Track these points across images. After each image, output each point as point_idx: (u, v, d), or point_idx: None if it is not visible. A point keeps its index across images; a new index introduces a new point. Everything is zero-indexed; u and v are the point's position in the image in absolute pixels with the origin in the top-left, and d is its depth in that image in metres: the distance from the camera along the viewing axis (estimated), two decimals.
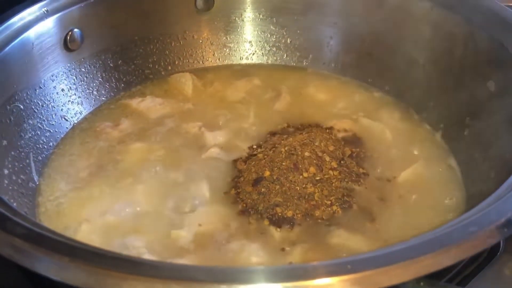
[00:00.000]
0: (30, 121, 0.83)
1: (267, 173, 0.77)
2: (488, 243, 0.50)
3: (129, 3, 0.98)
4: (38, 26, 0.84)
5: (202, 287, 0.44)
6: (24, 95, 0.83)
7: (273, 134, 0.89)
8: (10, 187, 0.74)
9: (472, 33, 0.85)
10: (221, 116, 0.94)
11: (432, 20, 0.91)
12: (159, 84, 1.03)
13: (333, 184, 0.77)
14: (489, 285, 0.64)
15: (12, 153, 0.77)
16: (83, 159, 0.85)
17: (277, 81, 1.03)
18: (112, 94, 0.99)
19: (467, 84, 0.86)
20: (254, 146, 0.87)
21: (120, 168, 0.83)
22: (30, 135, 0.83)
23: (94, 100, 0.96)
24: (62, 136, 0.89)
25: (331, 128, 0.90)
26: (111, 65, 0.98)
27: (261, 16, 1.08)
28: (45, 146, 0.86)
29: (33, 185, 0.79)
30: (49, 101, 0.88)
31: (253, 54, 1.10)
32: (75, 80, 0.93)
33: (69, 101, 0.92)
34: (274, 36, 1.09)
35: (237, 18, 1.08)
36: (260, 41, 1.09)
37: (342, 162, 0.81)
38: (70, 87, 0.92)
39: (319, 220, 0.73)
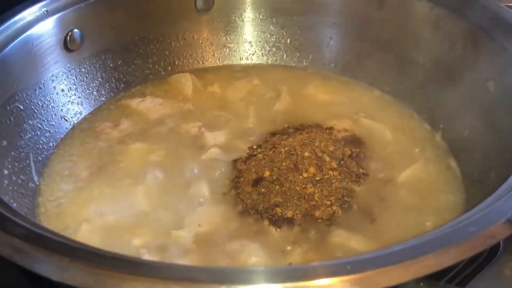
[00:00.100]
0: (30, 122, 0.83)
1: (267, 173, 0.77)
2: (488, 244, 0.50)
3: (129, 3, 0.98)
4: (38, 27, 0.84)
5: None
6: (24, 95, 0.83)
7: (273, 134, 0.89)
8: (10, 188, 0.74)
9: (472, 33, 0.85)
10: (221, 117, 0.94)
11: (432, 20, 0.91)
12: (159, 84, 1.03)
13: (333, 184, 0.77)
14: (489, 285, 0.64)
15: (12, 153, 0.78)
16: (83, 160, 0.85)
17: (277, 81, 1.03)
18: (112, 94, 0.99)
19: (467, 84, 0.86)
20: (254, 146, 0.87)
21: (120, 169, 0.83)
22: (30, 135, 0.83)
23: (94, 101, 0.96)
24: (62, 136, 0.89)
25: (331, 128, 0.90)
26: (111, 65, 0.98)
27: (261, 17, 1.08)
28: (45, 147, 0.86)
29: (33, 185, 0.79)
30: (49, 101, 0.88)
31: (253, 54, 1.10)
32: (75, 80, 0.93)
33: (69, 101, 0.92)
34: (274, 37, 1.09)
35: (237, 19, 1.08)
36: (260, 42, 1.09)
37: (342, 162, 0.81)
38: (70, 87, 0.92)
39: (319, 220, 0.73)
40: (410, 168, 0.82)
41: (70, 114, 0.92)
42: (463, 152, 0.84)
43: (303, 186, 0.75)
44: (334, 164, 0.79)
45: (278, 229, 0.72)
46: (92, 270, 0.45)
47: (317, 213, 0.74)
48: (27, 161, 0.80)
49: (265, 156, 0.80)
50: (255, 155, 0.83)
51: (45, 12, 0.85)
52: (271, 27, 1.08)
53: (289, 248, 0.69)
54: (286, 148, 0.79)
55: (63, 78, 0.91)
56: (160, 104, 0.96)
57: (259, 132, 0.90)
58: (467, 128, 0.84)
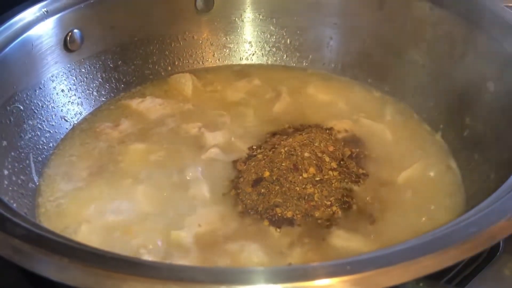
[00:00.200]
0: (30, 122, 0.83)
1: (266, 174, 0.77)
2: (488, 244, 0.50)
3: (129, 3, 0.98)
4: (38, 27, 0.84)
5: None
6: (24, 95, 0.83)
7: (273, 134, 0.89)
8: (10, 188, 0.74)
9: (472, 33, 0.85)
10: (221, 117, 0.94)
11: (432, 20, 0.91)
12: (159, 84, 1.03)
13: (333, 185, 0.77)
14: (488, 286, 0.64)
15: (12, 153, 0.78)
16: (83, 160, 0.85)
17: (277, 81, 1.03)
18: (112, 94, 0.99)
19: (467, 84, 0.86)
20: (254, 147, 0.87)
21: (120, 169, 0.83)
22: (30, 135, 0.83)
23: (94, 101, 0.96)
24: (62, 136, 0.89)
25: (331, 128, 0.90)
26: (111, 65, 0.98)
27: (261, 17, 1.08)
28: (45, 147, 0.86)
29: (33, 185, 0.79)
30: (49, 101, 0.88)
31: (253, 54, 1.10)
32: (75, 80, 0.93)
33: (69, 101, 0.92)
34: (274, 37, 1.09)
35: (237, 19, 1.08)
36: (260, 42, 1.09)
37: (342, 162, 0.81)
38: (70, 87, 0.92)
39: (319, 221, 0.73)
40: (410, 168, 0.82)
41: (70, 114, 0.92)
42: (463, 152, 0.84)
43: (303, 186, 0.75)
44: (334, 165, 0.79)
45: (278, 230, 0.72)
46: (92, 270, 0.45)
47: (317, 214, 0.74)
48: (27, 162, 0.80)
49: (265, 157, 0.80)
50: (255, 155, 0.83)
51: (45, 12, 0.85)
52: (271, 27, 1.08)
53: (289, 248, 0.69)
54: (286, 149, 0.79)
55: (63, 78, 0.91)
56: (160, 104, 0.97)
57: (259, 132, 0.90)
58: (467, 128, 0.84)
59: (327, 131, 0.88)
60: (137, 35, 1.01)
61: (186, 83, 1.01)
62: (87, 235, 0.71)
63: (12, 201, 0.71)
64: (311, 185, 0.75)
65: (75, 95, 0.93)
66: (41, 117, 0.86)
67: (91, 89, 0.96)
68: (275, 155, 0.79)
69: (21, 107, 0.82)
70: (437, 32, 0.91)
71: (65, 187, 0.80)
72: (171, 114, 0.95)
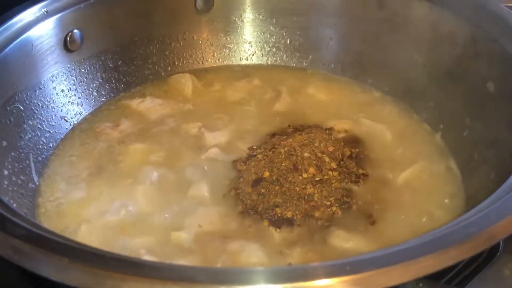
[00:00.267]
0: (30, 122, 0.83)
1: (266, 174, 0.77)
2: (488, 244, 0.50)
3: (129, 4, 0.98)
4: (38, 27, 0.84)
5: None
6: (24, 96, 0.83)
7: (272, 134, 0.89)
8: (10, 188, 0.74)
9: (472, 34, 0.85)
10: (221, 117, 0.94)
11: (432, 21, 0.91)
12: (159, 84, 1.03)
13: (333, 185, 0.77)
14: (488, 286, 0.64)
15: (12, 154, 0.78)
16: (83, 160, 0.85)
17: (277, 81, 1.03)
18: (112, 94, 0.99)
19: (467, 84, 0.86)
20: (254, 147, 0.87)
21: (120, 169, 0.83)
22: (30, 136, 0.83)
23: (94, 101, 0.96)
24: (62, 137, 0.90)
25: (330, 128, 0.90)
26: (111, 65, 0.98)
27: (260, 17, 1.08)
28: (45, 147, 0.86)
29: (33, 186, 0.79)
30: (49, 102, 0.88)
31: (253, 54, 1.10)
32: (75, 80, 0.93)
33: (69, 101, 0.92)
34: (274, 37, 1.09)
35: (237, 19, 1.08)
36: (259, 42, 1.09)
37: (341, 162, 0.81)
38: (70, 87, 0.92)
39: (319, 221, 0.73)
40: (409, 168, 0.82)
41: (70, 114, 0.92)
42: (463, 152, 0.84)
43: (303, 186, 0.75)
44: (333, 165, 0.79)
45: (278, 230, 0.72)
46: (92, 271, 0.45)
47: (317, 214, 0.74)
48: (27, 162, 0.80)
49: (265, 157, 0.80)
50: (255, 155, 0.83)
51: (45, 12, 0.85)
52: (271, 27, 1.08)
53: (288, 248, 0.69)
54: (285, 149, 0.79)
55: (63, 78, 0.91)
56: (160, 105, 0.97)
57: (259, 132, 0.90)
58: (467, 128, 0.84)
59: (327, 131, 0.88)
60: (137, 35, 1.01)
61: (186, 83, 1.01)
62: (87, 235, 0.71)
63: (12, 201, 0.71)
64: (311, 185, 0.75)
65: (75, 95, 0.93)
66: (41, 117, 0.86)
67: (91, 89, 0.96)
68: (275, 155, 0.79)
69: (21, 107, 0.82)
70: (437, 32, 0.91)
71: (65, 187, 0.80)
72: (171, 114, 0.95)
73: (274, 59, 1.10)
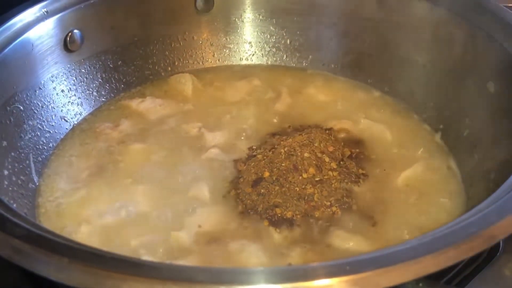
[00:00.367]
0: (30, 122, 0.83)
1: (266, 174, 0.77)
2: (488, 244, 0.50)
3: (129, 4, 0.98)
4: (38, 27, 0.84)
5: None
6: (24, 96, 0.83)
7: (272, 135, 0.89)
8: (10, 188, 0.74)
9: (472, 34, 0.85)
10: (221, 117, 0.94)
11: (432, 21, 0.91)
12: (159, 85, 1.03)
13: (333, 185, 0.77)
14: (488, 286, 0.64)
15: (12, 154, 0.78)
16: (83, 160, 0.85)
17: (277, 82, 1.03)
18: (112, 95, 0.99)
19: (466, 85, 0.86)
20: (254, 147, 0.87)
21: (119, 169, 0.83)
22: (30, 136, 0.83)
23: (94, 101, 0.96)
24: (62, 137, 0.90)
25: (330, 129, 0.90)
26: (111, 66, 0.98)
27: (261, 17, 1.08)
28: (45, 147, 0.86)
29: (33, 186, 0.79)
30: (49, 102, 0.89)
31: (253, 55, 1.10)
32: (75, 81, 0.93)
33: (69, 102, 0.92)
34: (274, 37, 1.09)
35: (237, 19, 1.08)
36: (260, 42, 1.09)
37: (341, 163, 0.81)
38: (70, 88, 0.92)
39: (319, 221, 0.73)
40: (410, 168, 0.82)
41: (70, 114, 0.92)
42: (463, 152, 0.84)
43: (303, 186, 0.75)
44: (333, 165, 0.79)
45: (278, 230, 0.72)
46: (92, 271, 0.45)
47: (317, 214, 0.74)
48: (27, 162, 0.80)
49: (265, 157, 0.80)
50: (255, 155, 0.83)
51: (45, 12, 0.85)
52: (271, 27, 1.08)
53: (288, 248, 0.69)
54: (285, 149, 0.79)
55: (63, 78, 0.91)
56: (160, 105, 0.97)
57: (259, 132, 0.90)
58: (467, 128, 0.84)
59: (327, 131, 0.88)
60: (137, 35, 1.01)
61: (186, 83, 1.01)
62: (87, 235, 0.71)
63: (12, 201, 0.71)
64: (311, 186, 0.75)
65: (75, 95, 0.93)
66: (41, 118, 0.86)
67: (91, 89, 0.96)
68: (275, 155, 0.79)
69: (21, 108, 0.82)
70: (437, 32, 0.91)
71: (65, 187, 0.80)
72: (171, 114, 0.95)
73: (274, 59, 1.10)
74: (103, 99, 0.98)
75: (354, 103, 0.98)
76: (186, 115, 0.95)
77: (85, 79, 0.95)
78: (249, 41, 1.09)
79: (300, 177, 0.76)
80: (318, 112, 0.95)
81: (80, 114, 0.94)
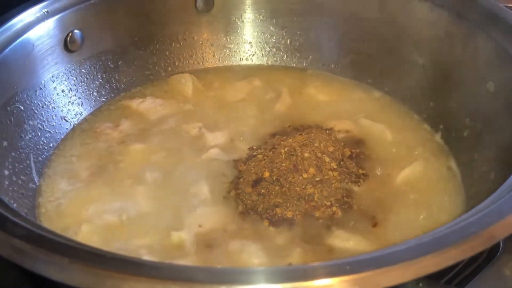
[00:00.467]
0: (31, 122, 0.84)
1: (266, 174, 0.77)
2: (488, 244, 0.50)
3: (129, 4, 0.98)
4: (39, 27, 0.84)
5: None
6: (25, 96, 0.83)
7: (273, 135, 0.89)
8: (11, 188, 0.74)
9: (472, 34, 0.85)
10: (221, 117, 0.94)
11: (432, 21, 0.91)
12: (159, 85, 1.03)
13: (333, 185, 0.77)
14: (488, 286, 0.64)
15: (13, 154, 0.78)
16: (83, 160, 0.85)
17: (277, 82, 1.03)
18: (112, 95, 0.99)
19: (467, 85, 0.86)
20: (254, 147, 0.87)
21: (120, 169, 0.83)
22: (30, 136, 0.83)
23: (94, 101, 0.96)
24: (62, 137, 0.90)
25: (330, 129, 0.90)
26: (111, 66, 0.98)
27: (261, 17, 1.08)
28: (46, 147, 0.86)
29: (34, 186, 0.80)
30: (50, 102, 0.89)
31: (253, 55, 1.10)
32: (76, 81, 0.93)
33: (69, 102, 0.92)
34: (274, 37, 1.09)
35: (237, 19, 1.08)
36: (260, 42, 1.09)
37: (341, 163, 0.81)
38: (70, 88, 0.93)
39: (319, 221, 0.73)
40: (410, 168, 0.82)
41: (71, 114, 0.92)
42: (463, 152, 0.84)
43: (303, 186, 0.75)
44: (334, 165, 0.79)
45: (278, 230, 0.72)
46: (92, 270, 0.46)
47: (317, 214, 0.74)
48: (28, 162, 0.80)
49: (265, 157, 0.80)
50: (255, 155, 0.83)
51: (45, 13, 0.86)
52: (271, 28, 1.08)
53: (288, 248, 0.69)
54: (286, 149, 0.79)
55: (64, 78, 0.91)
56: (160, 105, 0.97)
57: (259, 132, 0.90)
58: (467, 128, 0.84)
59: (327, 132, 0.88)
60: (137, 36, 1.01)
61: (186, 83, 1.02)
62: (88, 235, 0.71)
63: (12, 201, 0.71)
64: (311, 186, 0.75)
65: (75, 95, 0.93)
66: (42, 118, 0.86)
67: (91, 89, 0.96)
68: (275, 155, 0.79)
69: (22, 108, 0.82)
70: (437, 32, 0.91)
71: (65, 187, 0.80)
72: (171, 114, 0.95)
73: (274, 59, 1.10)
74: (103, 99, 0.98)
75: (354, 103, 0.98)
76: (186, 115, 0.95)
77: (85, 79, 0.95)
78: (249, 41, 1.09)
79: (300, 177, 0.76)
80: (318, 112, 0.95)
81: (81, 114, 0.94)
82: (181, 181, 0.80)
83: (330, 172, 0.78)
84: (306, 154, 0.78)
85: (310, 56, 1.08)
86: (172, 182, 0.80)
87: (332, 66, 1.07)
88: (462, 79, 0.87)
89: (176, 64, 1.06)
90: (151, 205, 0.76)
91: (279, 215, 0.73)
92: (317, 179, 0.76)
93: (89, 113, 0.95)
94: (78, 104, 0.94)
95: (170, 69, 1.06)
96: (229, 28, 1.08)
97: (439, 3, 0.90)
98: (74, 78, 0.93)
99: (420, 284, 0.50)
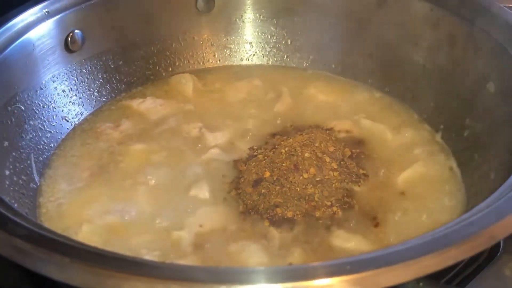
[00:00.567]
0: (31, 122, 0.84)
1: (267, 174, 0.77)
2: (488, 244, 0.50)
3: (130, 4, 0.98)
4: (39, 28, 0.85)
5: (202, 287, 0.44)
6: (25, 96, 0.83)
7: (273, 135, 0.89)
8: (11, 188, 0.74)
9: (472, 34, 0.85)
10: (222, 117, 0.94)
11: (432, 21, 0.91)
12: (160, 85, 1.03)
13: (333, 185, 0.77)
14: (489, 286, 0.64)
15: (13, 154, 0.78)
16: (84, 160, 0.85)
17: (277, 82, 1.03)
18: (112, 95, 0.99)
19: (467, 85, 0.86)
20: (255, 147, 0.87)
21: (120, 169, 0.83)
22: (31, 136, 0.83)
23: (95, 101, 0.97)
24: (63, 137, 0.90)
25: (331, 129, 0.90)
26: (111, 66, 0.98)
27: (261, 17, 1.08)
28: (46, 147, 0.86)
29: (34, 186, 0.80)
30: (50, 102, 0.89)
31: (254, 55, 1.10)
32: (76, 81, 0.94)
33: (70, 102, 0.92)
34: (275, 37, 1.09)
35: (237, 19, 1.08)
36: (260, 42, 1.09)
37: (342, 163, 0.81)
38: (71, 88, 0.93)
39: (319, 221, 0.73)
40: (410, 168, 0.82)
41: (71, 114, 0.92)
42: (463, 152, 0.84)
43: (303, 186, 0.75)
44: (334, 165, 0.79)
45: (279, 230, 0.72)
46: (93, 270, 0.46)
47: (318, 214, 0.74)
48: (28, 162, 0.81)
49: (266, 157, 0.80)
50: (256, 155, 0.83)
51: (46, 13, 0.86)
52: (272, 28, 1.08)
53: (289, 248, 0.70)
54: (286, 149, 0.80)
55: (64, 79, 0.91)
56: (160, 105, 0.97)
57: (260, 132, 0.90)
58: (467, 129, 0.84)
59: (328, 132, 0.88)
60: (138, 36, 1.01)
61: (186, 83, 1.02)
62: (88, 235, 0.71)
63: (13, 201, 0.71)
64: (311, 186, 0.76)
65: (76, 95, 0.94)
66: (42, 118, 0.86)
67: (92, 89, 0.96)
68: (275, 155, 0.79)
69: (22, 108, 0.82)
70: (437, 32, 0.91)
71: (66, 187, 0.80)
72: (171, 114, 0.95)
73: (275, 59, 1.10)
74: (104, 99, 0.98)
75: (354, 103, 0.98)
76: (186, 115, 0.95)
77: (86, 79, 0.95)
78: (249, 42, 1.10)
79: (301, 177, 0.76)
80: (319, 112, 0.95)
81: (81, 114, 0.94)
82: (181, 181, 0.81)
83: (330, 172, 0.78)
84: (306, 154, 0.78)
85: (311, 56, 1.08)
86: (172, 182, 0.81)
87: (333, 66, 1.07)
88: (462, 79, 0.87)
89: (177, 64, 1.06)
90: (151, 205, 0.76)
91: (280, 215, 0.73)
92: (318, 179, 0.76)
93: (89, 113, 0.95)
94: (79, 104, 0.94)
95: (170, 69, 1.06)
96: (230, 28, 1.08)
97: (439, 3, 0.90)
98: (75, 78, 0.93)
99: (421, 284, 0.50)
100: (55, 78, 0.90)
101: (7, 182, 0.73)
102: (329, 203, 0.75)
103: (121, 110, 0.97)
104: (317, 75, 1.06)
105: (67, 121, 0.91)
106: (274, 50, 1.10)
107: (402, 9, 0.96)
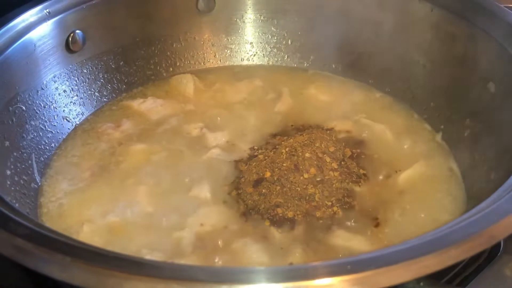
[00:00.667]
0: (32, 122, 0.84)
1: (267, 174, 0.77)
2: (488, 244, 0.50)
3: (130, 4, 0.98)
4: (40, 28, 0.85)
5: (203, 287, 0.44)
6: (26, 96, 0.83)
7: (274, 135, 0.89)
8: (13, 188, 0.74)
9: (472, 34, 0.85)
10: (222, 117, 0.94)
11: (433, 21, 0.91)
12: (161, 85, 1.03)
13: (334, 185, 0.77)
14: (489, 286, 0.64)
15: (15, 154, 0.78)
16: (85, 160, 0.85)
17: (278, 82, 1.04)
18: (113, 95, 0.99)
19: (467, 85, 0.86)
20: (255, 147, 0.87)
21: (121, 169, 0.83)
22: (32, 136, 0.83)
23: (96, 101, 0.97)
24: (64, 137, 0.90)
25: (331, 129, 0.90)
26: (112, 66, 0.99)
27: (262, 18, 1.08)
28: (47, 147, 0.86)
29: (35, 186, 0.80)
30: (51, 102, 0.89)
31: (254, 55, 1.10)
32: (77, 81, 0.94)
33: (71, 102, 0.93)
34: (275, 38, 1.09)
35: (238, 20, 1.08)
36: (261, 43, 1.10)
37: (342, 163, 0.81)
38: (72, 88, 0.93)
39: (320, 221, 0.74)
40: (410, 168, 0.82)
41: (72, 115, 0.93)
42: (464, 152, 0.84)
43: (304, 186, 0.75)
44: (334, 165, 0.79)
45: (279, 230, 0.72)
46: (94, 270, 0.46)
47: (318, 214, 0.74)
48: (30, 162, 0.81)
49: (266, 157, 0.80)
50: (256, 155, 0.83)
51: (47, 13, 0.86)
52: (272, 28, 1.09)
53: (289, 248, 0.70)
54: (287, 149, 0.80)
55: (65, 79, 0.92)
56: (161, 105, 0.97)
57: (260, 133, 0.91)
58: (468, 129, 0.84)
59: (328, 132, 0.88)
60: (138, 36, 1.01)
61: (187, 83, 1.02)
62: (89, 235, 0.72)
63: (14, 201, 0.71)
64: (312, 186, 0.76)
65: (77, 95, 0.94)
66: (43, 118, 0.87)
67: (93, 89, 0.96)
68: (276, 155, 0.80)
69: (23, 108, 0.82)
70: (437, 32, 0.91)
71: (67, 187, 0.80)
72: (172, 114, 0.95)
73: (275, 59, 1.10)
74: (105, 100, 0.98)
75: (355, 104, 0.98)
76: (187, 116, 0.95)
77: (87, 79, 0.95)
78: (250, 42, 1.10)
79: (301, 177, 0.76)
80: (319, 112, 0.96)
81: (82, 114, 0.94)
82: (182, 181, 0.81)
83: (331, 172, 0.78)
84: (307, 154, 0.78)
85: (311, 57, 1.08)
86: (173, 182, 0.81)
87: (333, 66, 1.07)
88: (462, 79, 0.87)
89: (177, 64, 1.07)
90: (152, 205, 0.77)
91: (280, 215, 0.74)
92: (318, 179, 0.76)
93: (90, 113, 0.95)
94: (80, 104, 0.94)
95: (171, 69, 1.06)
96: (230, 28, 1.08)
97: (440, 3, 0.90)
98: (76, 79, 0.93)
99: (421, 284, 0.50)
100: (56, 78, 0.90)
101: (8, 182, 0.74)
102: (330, 203, 0.75)
103: (122, 110, 0.97)
104: (318, 75, 1.07)
105: (68, 121, 0.92)
106: (275, 50, 1.10)
107: (402, 9, 0.96)
